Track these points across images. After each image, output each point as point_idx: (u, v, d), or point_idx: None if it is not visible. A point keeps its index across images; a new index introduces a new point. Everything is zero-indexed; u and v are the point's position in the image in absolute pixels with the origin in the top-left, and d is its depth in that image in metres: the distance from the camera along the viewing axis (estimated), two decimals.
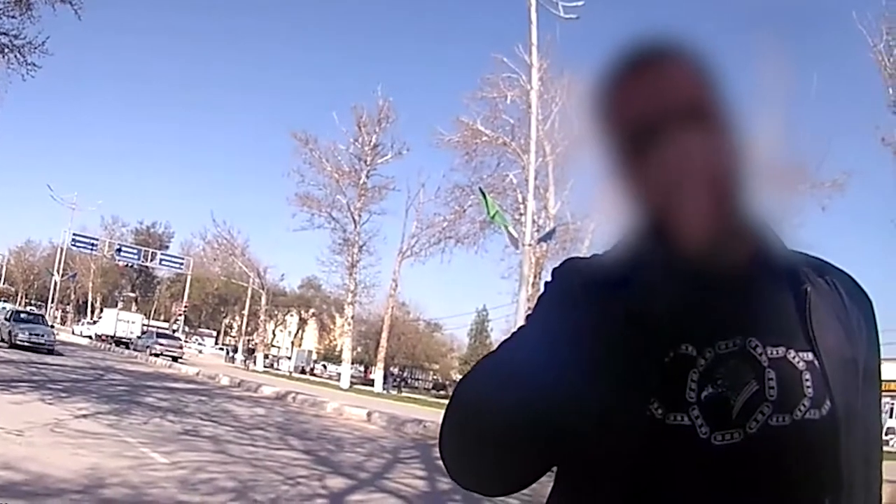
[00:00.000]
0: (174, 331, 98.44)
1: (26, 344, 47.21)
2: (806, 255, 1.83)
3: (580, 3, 37.94)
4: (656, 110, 1.63)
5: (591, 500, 1.69)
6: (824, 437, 1.62)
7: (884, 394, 1.92)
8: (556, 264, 1.89)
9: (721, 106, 1.66)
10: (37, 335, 49.06)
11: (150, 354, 68.53)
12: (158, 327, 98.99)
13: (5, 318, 54.00)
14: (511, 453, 1.71)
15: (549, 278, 1.85)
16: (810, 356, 1.67)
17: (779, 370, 1.64)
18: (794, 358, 1.66)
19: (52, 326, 62.06)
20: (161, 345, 72.38)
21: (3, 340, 50.49)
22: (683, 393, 1.63)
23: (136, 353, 67.99)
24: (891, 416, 48.78)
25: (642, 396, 1.62)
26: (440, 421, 1.83)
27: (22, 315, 56.02)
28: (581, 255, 1.89)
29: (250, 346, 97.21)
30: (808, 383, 1.64)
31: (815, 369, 1.65)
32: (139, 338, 79.36)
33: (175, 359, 67.38)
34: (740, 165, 1.64)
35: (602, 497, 1.66)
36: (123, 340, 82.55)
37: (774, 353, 1.66)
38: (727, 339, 1.66)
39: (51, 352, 48.07)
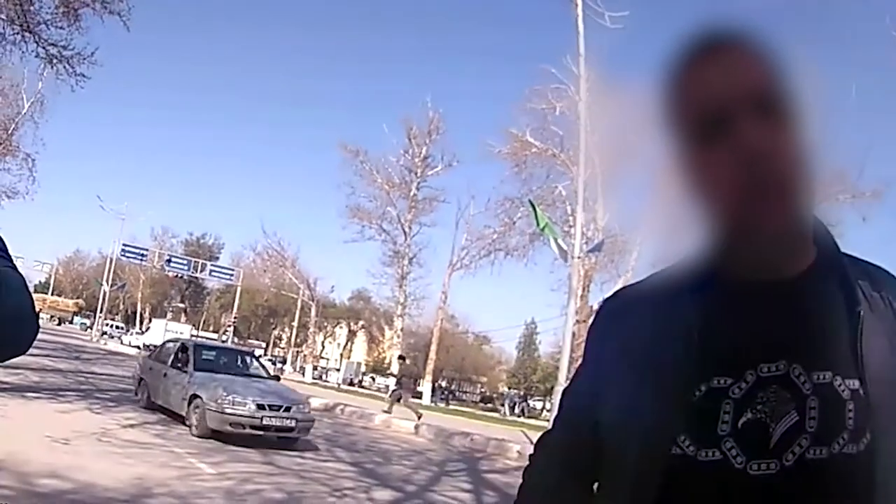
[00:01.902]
0: (223, 342, 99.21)
1: (253, 429, 19.11)
2: (860, 261, 1.78)
3: (626, 14, 37.99)
4: (728, 96, 1.57)
5: None
6: (859, 473, 1.56)
7: None
8: (610, 292, 1.93)
9: (791, 100, 1.58)
10: (277, 410, 19.85)
11: None
12: (207, 338, 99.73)
13: (173, 363, 22.92)
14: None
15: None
16: (857, 384, 1.60)
17: (822, 398, 1.59)
18: (839, 385, 1.60)
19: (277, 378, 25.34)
20: None
21: (168, 409, 22.01)
22: (716, 427, 1.61)
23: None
24: None
25: (667, 436, 1.63)
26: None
27: (210, 354, 23.95)
28: (632, 284, 1.97)
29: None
30: (851, 414, 1.59)
31: (861, 398, 1.59)
32: None
33: None
34: (807, 164, 1.57)
35: None
36: None
37: (820, 378, 1.60)
38: (771, 361, 1.62)
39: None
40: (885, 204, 41.44)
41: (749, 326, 1.64)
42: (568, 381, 2.03)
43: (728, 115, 1.56)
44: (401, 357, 38.66)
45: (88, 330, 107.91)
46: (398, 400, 34.70)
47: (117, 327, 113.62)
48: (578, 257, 34.48)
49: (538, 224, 34.17)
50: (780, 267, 1.65)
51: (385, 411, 34.68)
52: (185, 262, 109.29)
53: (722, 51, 1.62)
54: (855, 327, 1.62)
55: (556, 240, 34.51)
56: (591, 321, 1.96)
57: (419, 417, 32.40)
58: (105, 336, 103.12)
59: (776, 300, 1.64)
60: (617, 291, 1.98)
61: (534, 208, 35.18)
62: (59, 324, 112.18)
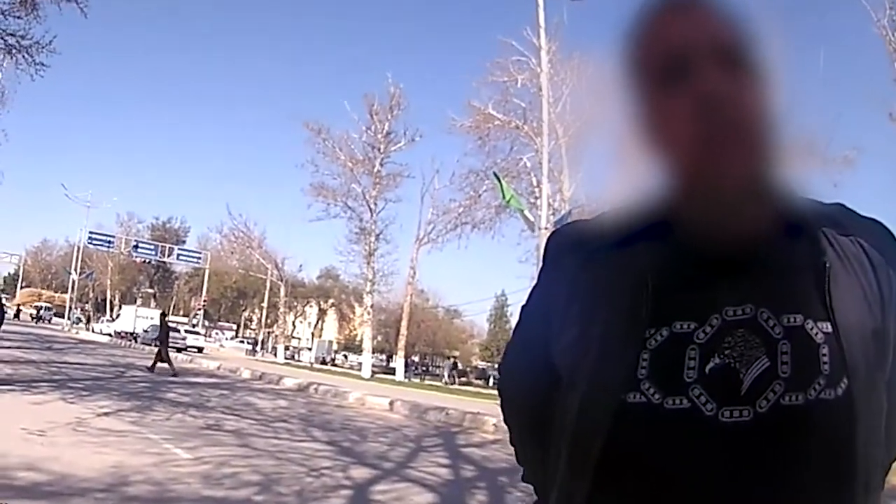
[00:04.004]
0: (194, 325, 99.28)
1: None
2: (827, 206, 1.71)
3: None
4: (689, 43, 1.55)
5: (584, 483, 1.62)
6: (838, 419, 1.50)
7: None
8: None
9: (753, 56, 1.55)
10: None
11: (155, 346, 69.57)
12: (178, 322, 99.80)
13: None
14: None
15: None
16: (829, 327, 1.54)
17: (794, 341, 1.54)
18: (812, 329, 1.55)
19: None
20: None
21: None
22: (681, 374, 1.54)
23: (156, 350, 68.27)
24: None
25: (618, 382, 1.56)
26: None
27: None
28: (581, 220, 1.88)
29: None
30: (826, 358, 1.53)
31: (834, 343, 1.53)
32: (145, 331, 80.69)
33: (179, 350, 68.81)
34: (769, 117, 1.53)
35: (603, 481, 1.59)
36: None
37: (791, 320, 1.55)
38: (737, 305, 1.56)
39: None
40: (856, 170, 41.45)
41: (711, 270, 1.59)
42: (525, 301, 1.95)
43: (688, 62, 1.54)
44: (163, 314, 40.49)
45: (39, 321, 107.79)
46: (161, 357, 36.99)
47: (47, 308, 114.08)
48: (545, 228, 34.56)
49: (504, 196, 34.24)
50: (740, 216, 1.58)
51: (149, 368, 36.52)
52: (152, 247, 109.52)
53: (686, 5, 1.60)
54: (822, 279, 1.58)
55: (522, 211, 34.61)
56: (542, 248, 1.90)
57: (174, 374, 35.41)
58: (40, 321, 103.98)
59: (738, 246, 1.59)
60: (569, 223, 1.92)
61: (499, 181, 35.24)
62: (42, 320, 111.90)
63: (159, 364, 36.63)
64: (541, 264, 1.88)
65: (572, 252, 1.75)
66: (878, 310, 1.61)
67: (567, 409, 1.66)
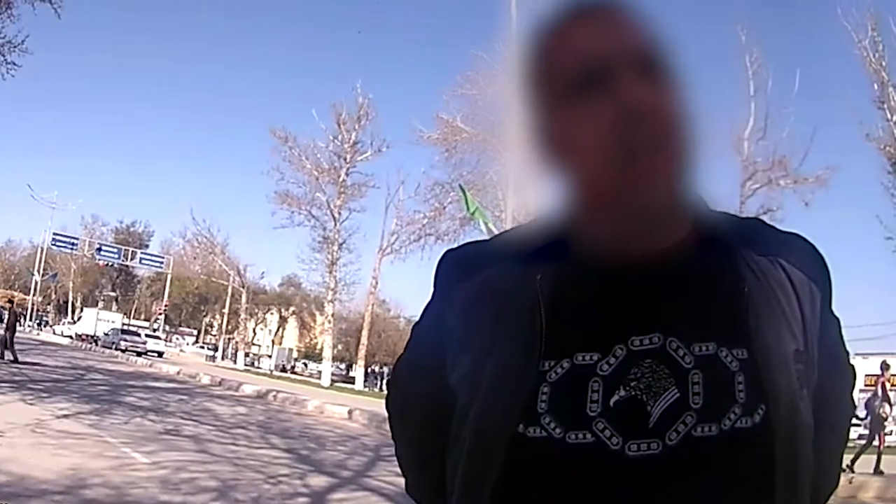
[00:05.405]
0: (154, 330, 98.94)
1: None
2: (744, 222, 1.65)
3: None
4: (608, 51, 1.48)
5: None
6: (756, 448, 1.45)
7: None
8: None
9: (672, 64, 1.50)
10: None
11: (115, 350, 70.90)
12: (139, 326, 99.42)
13: None
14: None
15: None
16: (745, 353, 1.48)
17: (706, 371, 1.46)
18: (725, 356, 1.47)
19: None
20: (126, 341, 75.75)
21: None
22: (584, 407, 1.46)
23: (116, 353, 68.04)
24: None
25: (518, 417, 1.47)
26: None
27: None
28: (474, 241, 1.82)
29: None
30: (741, 386, 1.46)
31: (750, 369, 1.47)
32: (106, 335, 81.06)
33: (139, 354, 69.57)
34: (690, 127, 1.47)
35: None
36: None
37: (702, 349, 1.47)
38: (643, 334, 1.48)
39: None
40: (829, 190, 41.80)
41: (615, 298, 1.50)
42: (418, 320, 1.89)
43: (607, 71, 1.45)
44: (9, 301, 41.08)
45: None
46: (7, 345, 36.88)
47: None
48: None
49: (468, 209, 34.28)
50: (651, 236, 1.51)
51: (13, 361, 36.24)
52: (115, 250, 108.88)
53: (603, 12, 1.52)
54: (740, 302, 1.50)
55: (486, 224, 34.64)
56: (434, 271, 1.77)
57: (15, 360, 35.56)
58: None
59: (645, 270, 1.50)
60: (463, 244, 1.81)
61: (464, 193, 35.29)
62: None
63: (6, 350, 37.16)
64: (431, 289, 1.78)
65: (463, 278, 1.66)
66: (800, 331, 1.56)
67: (460, 443, 1.59)
